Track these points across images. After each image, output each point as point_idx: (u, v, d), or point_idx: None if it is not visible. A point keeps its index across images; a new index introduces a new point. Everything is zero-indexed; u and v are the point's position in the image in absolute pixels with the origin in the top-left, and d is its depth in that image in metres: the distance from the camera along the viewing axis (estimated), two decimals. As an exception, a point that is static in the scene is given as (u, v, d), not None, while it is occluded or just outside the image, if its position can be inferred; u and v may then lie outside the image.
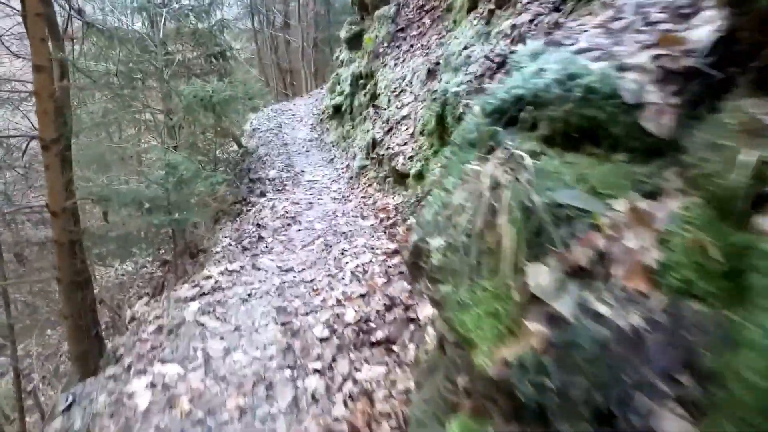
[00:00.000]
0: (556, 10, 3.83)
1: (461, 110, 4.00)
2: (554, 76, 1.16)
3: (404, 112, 5.91)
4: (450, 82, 4.47)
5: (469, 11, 6.92)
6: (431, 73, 6.04)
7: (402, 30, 8.83)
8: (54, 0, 6.14)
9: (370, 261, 3.83)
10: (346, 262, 3.89)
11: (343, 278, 3.63)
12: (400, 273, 3.49)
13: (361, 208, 5.49)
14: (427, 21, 8.48)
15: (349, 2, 23.21)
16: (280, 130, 11.05)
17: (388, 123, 6.20)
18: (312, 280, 3.67)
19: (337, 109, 9.86)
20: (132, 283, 9.97)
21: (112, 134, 11.05)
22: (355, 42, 10.48)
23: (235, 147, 10.36)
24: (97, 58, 7.58)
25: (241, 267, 4.13)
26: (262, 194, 6.74)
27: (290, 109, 12.76)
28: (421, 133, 5.09)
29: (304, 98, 14.79)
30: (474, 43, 4.92)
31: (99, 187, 7.02)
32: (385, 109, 7.00)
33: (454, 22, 7.56)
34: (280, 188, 6.87)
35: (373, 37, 8.81)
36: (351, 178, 6.45)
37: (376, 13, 9.26)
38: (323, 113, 11.31)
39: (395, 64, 8.25)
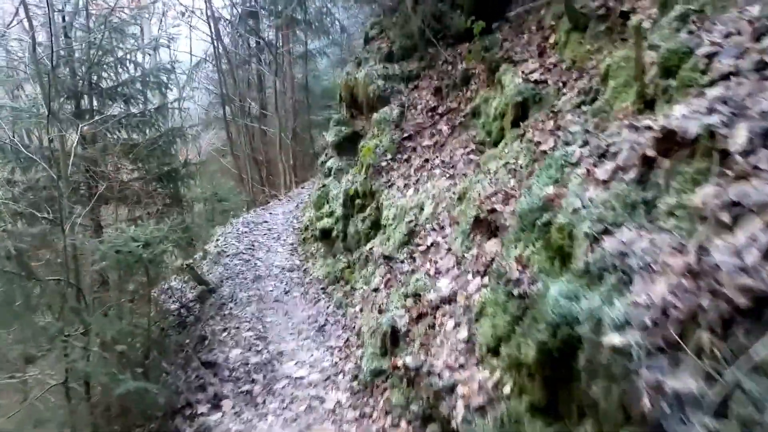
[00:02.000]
0: None
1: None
2: None
3: (444, 287, 3.68)
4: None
5: (516, 123, 4.95)
6: (481, 224, 3.88)
7: (410, 138, 6.83)
8: None
9: None
10: None
11: None
12: None
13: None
14: (444, 128, 6.51)
15: (329, 86, 22.06)
16: (252, 254, 8.73)
17: (413, 298, 3.94)
18: None
19: (325, 234, 7.64)
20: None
21: None
22: (345, 147, 8.47)
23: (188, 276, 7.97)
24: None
25: None
26: (215, 405, 4.31)
27: (266, 221, 10.52)
28: (494, 352, 2.84)
29: (282, 201, 12.64)
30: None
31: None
32: (401, 262, 4.79)
33: (488, 133, 5.58)
34: (243, 391, 4.47)
35: (372, 147, 6.77)
36: (360, 384, 4.09)
37: (375, 116, 7.30)
38: (306, 230, 9.08)
39: (405, 185, 6.16)
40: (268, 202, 14.59)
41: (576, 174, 2.87)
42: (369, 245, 6.22)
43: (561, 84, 4.78)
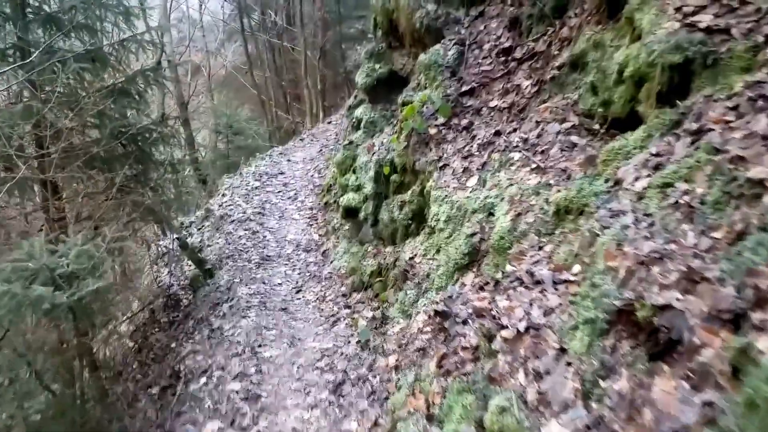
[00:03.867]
0: None
1: None
2: None
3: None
4: None
5: (667, 98, 2.94)
6: (633, 325, 2.07)
7: (472, 93, 4.83)
8: None
9: None
10: None
11: None
12: None
13: None
14: (524, 82, 4.48)
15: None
16: (261, 222, 7.12)
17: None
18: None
19: (351, 213, 5.90)
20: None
21: None
22: (380, 93, 6.50)
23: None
24: None
25: None
26: None
27: (282, 173, 8.78)
28: None
29: (304, 142, 10.82)
30: None
31: None
32: (462, 323, 3.05)
33: (604, 104, 3.58)
34: None
35: (417, 104, 4.82)
36: None
37: (422, 57, 5.25)
38: (328, 192, 7.35)
39: (464, 169, 4.28)
40: (290, 138, 12.77)
41: None
42: (409, 250, 4.49)
43: (761, 36, 2.71)
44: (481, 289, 3.15)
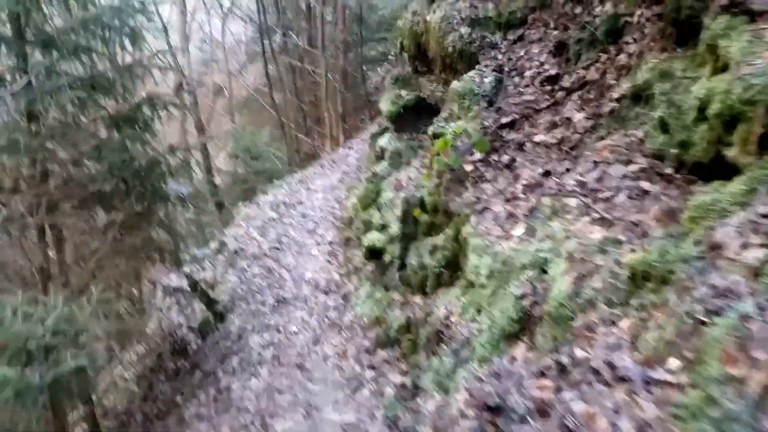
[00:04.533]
0: None
1: None
2: None
3: None
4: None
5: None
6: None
7: (513, 126, 4.30)
8: None
9: None
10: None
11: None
12: None
13: None
14: (577, 115, 3.94)
15: (388, 18, 18.81)
16: (277, 259, 6.64)
17: None
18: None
19: (375, 254, 5.37)
20: None
21: None
22: (407, 121, 6.01)
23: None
24: None
25: None
26: None
27: (300, 202, 8.31)
28: None
29: (324, 167, 10.39)
30: None
31: None
32: (520, 421, 2.47)
33: (682, 145, 3.03)
34: None
35: (450, 138, 4.31)
36: None
37: (455, 85, 4.75)
38: (349, 226, 6.84)
39: (509, 215, 3.72)
40: (310, 162, 12.36)
41: None
42: (443, 305, 3.92)
43: None
44: (542, 374, 2.57)
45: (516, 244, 3.46)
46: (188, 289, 5.76)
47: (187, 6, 12.78)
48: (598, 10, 4.37)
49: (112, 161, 3.80)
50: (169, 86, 11.43)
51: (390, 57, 17.44)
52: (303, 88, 17.41)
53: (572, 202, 3.37)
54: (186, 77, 9.78)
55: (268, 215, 7.81)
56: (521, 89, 4.45)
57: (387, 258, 5.07)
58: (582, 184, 3.41)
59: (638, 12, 4.03)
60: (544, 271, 3.19)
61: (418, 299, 4.56)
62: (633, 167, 3.31)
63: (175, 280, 6.07)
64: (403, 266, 4.90)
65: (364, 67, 17.80)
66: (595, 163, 3.50)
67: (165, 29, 13.42)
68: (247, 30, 19.18)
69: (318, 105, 16.94)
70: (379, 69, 18.92)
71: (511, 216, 3.71)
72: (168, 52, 4.34)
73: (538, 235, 3.39)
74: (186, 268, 6.80)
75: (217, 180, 12.01)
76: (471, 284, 3.75)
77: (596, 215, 3.18)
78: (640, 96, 3.59)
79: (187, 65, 10.50)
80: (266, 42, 15.45)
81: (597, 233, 3.08)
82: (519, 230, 3.55)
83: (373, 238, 5.27)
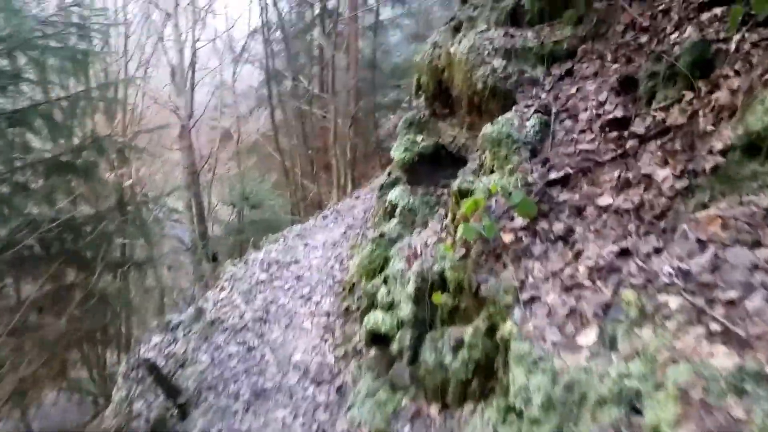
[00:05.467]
0: None
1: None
2: None
3: None
4: None
5: None
6: None
7: (566, 183, 3.22)
8: None
9: None
10: None
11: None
12: None
13: None
14: (658, 171, 2.85)
15: (401, 63, 18.21)
16: (261, 334, 5.49)
17: None
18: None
19: (378, 339, 4.21)
20: None
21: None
22: (420, 171, 4.99)
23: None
24: None
25: None
26: None
27: (296, 261, 7.21)
28: None
29: (327, 220, 9.38)
30: None
31: None
32: None
33: None
34: None
35: (482, 197, 3.24)
36: None
37: (487, 129, 3.71)
38: (350, 292, 5.71)
39: (570, 312, 2.58)
40: (314, 211, 11.36)
41: None
42: (472, 437, 2.74)
43: None
44: None
45: (586, 361, 2.31)
46: (145, 373, 4.63)
47: (187, 47, 12.19)
48: (674, 36, 3.38)
49: (23, 221, 2.79)
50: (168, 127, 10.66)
51: (404, 105, 16.82)
52: (312, 133, 16.70)
53: (673, 301, 2.24)
54: (181, 118, 8.98)
55: (256, 276, 6.71)
56: (575, 136, 3.41)
57: (395, 347, 3.92)
58: (685, 274, 2.29)
59: (736, 37, 3.02)
60: (637, 411, 2.03)
61: (434, 411, 3.38)
62: (764, 252, 2.20)
63: (131, 362, 4.94)
64: (415, 359, 3.75)
65: (376, 114, 17.15)
66: (701, 242, 2.39)
67: (173, 72, 12.93)
68: (259, 74, 18.75)
69: (327, 151, 16.17)
70: (391, 116, 18.31)
71: (573, 313, 2.57)
72: (108, 84, 3.54)
73: (621, 348, 2.25)
74: (156, 337, 5.70)
75: (211, 230, 11.03)
76: (514, 410, 2.58)
77: (717, 327, 2.04)
78: (757, 147, 2.52)
79: (185, 107, 9.74)
80: (273, 87, 14.79)
81: (724, 358, 1.93)
82: (589, 337, 2.40)
83: (377, 320, 4.13)
